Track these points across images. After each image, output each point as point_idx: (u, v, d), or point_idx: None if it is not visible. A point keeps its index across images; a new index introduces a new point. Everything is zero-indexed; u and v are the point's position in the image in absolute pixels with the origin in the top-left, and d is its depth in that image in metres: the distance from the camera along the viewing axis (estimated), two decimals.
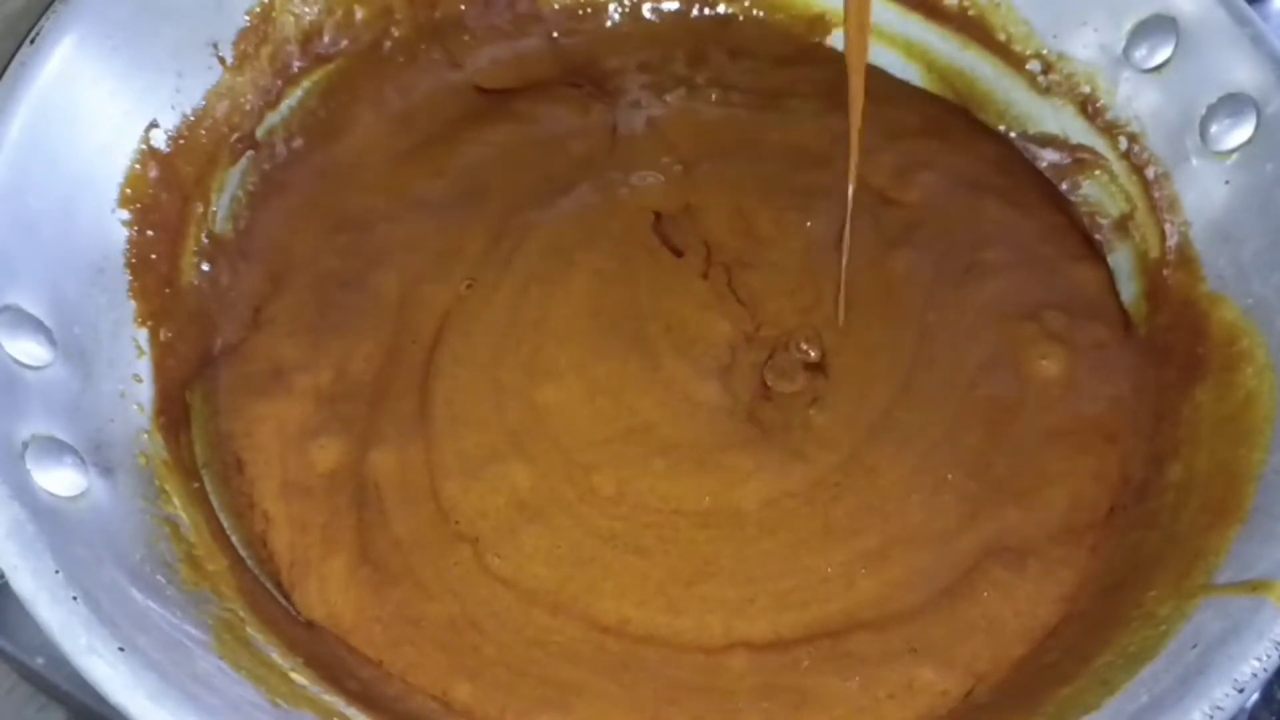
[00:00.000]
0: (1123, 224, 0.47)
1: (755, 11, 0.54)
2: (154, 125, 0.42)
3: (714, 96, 0.52)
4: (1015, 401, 0.43)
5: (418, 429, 0.42)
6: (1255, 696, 0.42)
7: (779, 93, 0.52)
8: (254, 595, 0.38)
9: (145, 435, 0.39)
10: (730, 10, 0.54)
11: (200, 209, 0.44)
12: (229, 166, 0.45)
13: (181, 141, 0.43)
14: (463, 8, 0.50)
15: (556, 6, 0.52)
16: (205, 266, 0.44)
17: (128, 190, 0.41)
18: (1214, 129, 0.43)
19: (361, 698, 0.36)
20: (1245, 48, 0.43)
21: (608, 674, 0.38)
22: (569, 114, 0.50)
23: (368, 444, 0.41)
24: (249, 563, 0.39)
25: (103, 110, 0.41)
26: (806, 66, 0.53)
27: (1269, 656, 0.32)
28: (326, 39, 0.47)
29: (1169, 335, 0.44)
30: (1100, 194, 0.48)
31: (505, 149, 0.49)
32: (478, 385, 0.43)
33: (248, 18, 0.45)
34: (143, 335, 0.41)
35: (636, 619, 0.39)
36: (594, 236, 0.47)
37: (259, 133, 0.46)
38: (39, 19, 0.40)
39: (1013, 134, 0.50)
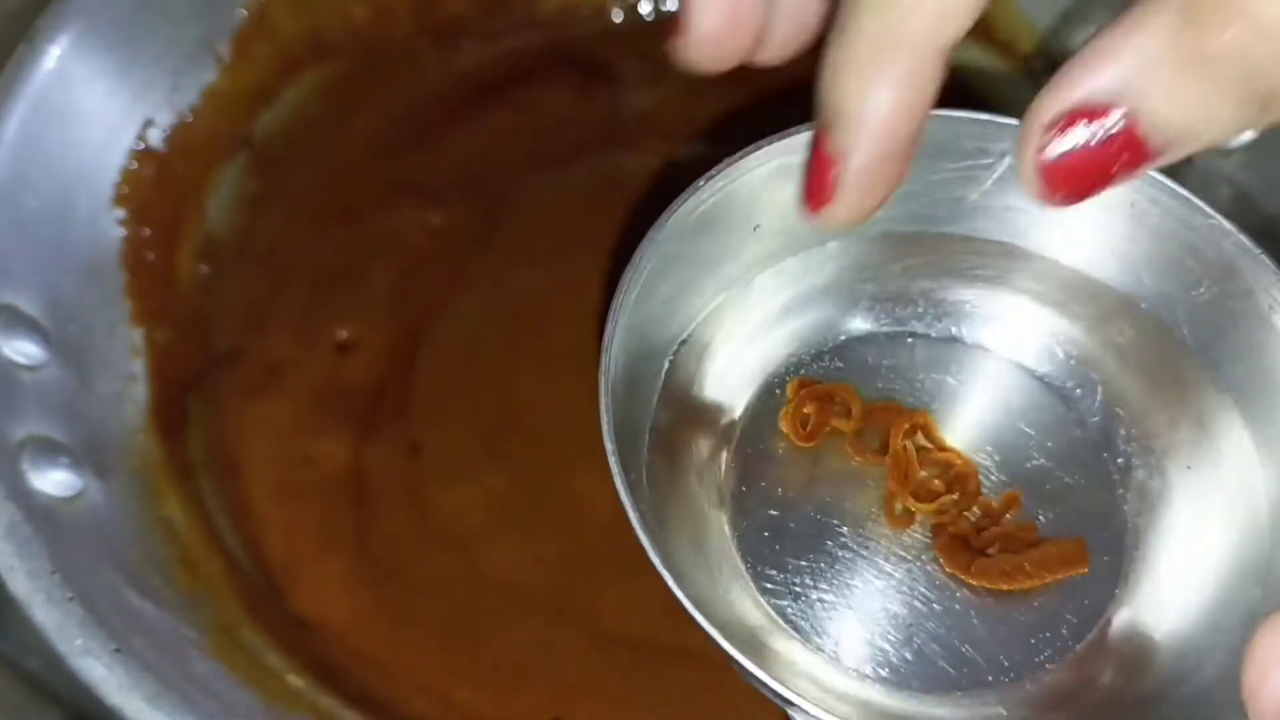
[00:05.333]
0: None
1: None
2: (150, 124, 0.42)
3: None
4: None
5: (407, 427, 0.41)
6: None
7: None
8: (250, 597, 0.38)
9: (141, 436, 0.39)
10: None
11: (197, 208, 0.44)
12: (226, 165, 0.45)
13: (178, 140, 0.43)
14: (462, 7, 0.50)
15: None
16: (202, 266, 0.44)
17: (124, 189, 0.41)
18: None
19: (360, 700, 0.36)
20: None
21: (613, 677, 0.37)
22: (566, 101, 0.50)
23: (362, 443, 0.41)
24: (245, 564, 0.39)
25: (99, 109, 0.41)
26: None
27: None
28: (324, 37, 0.47)
29: None
30: None
31: (500, 136, 0.48)
32: (463, 381, 0.42)
33: (245, 15, 0.45)
34: (138, 335, 0.41)
35: (641, 633, 0.38)
36: (592, 224, 0.46)
37: (256, 131, 0.46)
38: (35, 18, 0.40)
39: None
